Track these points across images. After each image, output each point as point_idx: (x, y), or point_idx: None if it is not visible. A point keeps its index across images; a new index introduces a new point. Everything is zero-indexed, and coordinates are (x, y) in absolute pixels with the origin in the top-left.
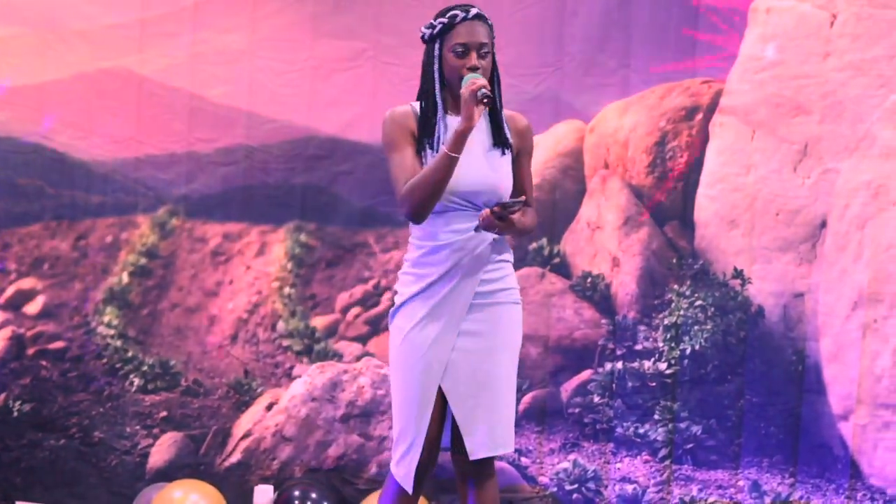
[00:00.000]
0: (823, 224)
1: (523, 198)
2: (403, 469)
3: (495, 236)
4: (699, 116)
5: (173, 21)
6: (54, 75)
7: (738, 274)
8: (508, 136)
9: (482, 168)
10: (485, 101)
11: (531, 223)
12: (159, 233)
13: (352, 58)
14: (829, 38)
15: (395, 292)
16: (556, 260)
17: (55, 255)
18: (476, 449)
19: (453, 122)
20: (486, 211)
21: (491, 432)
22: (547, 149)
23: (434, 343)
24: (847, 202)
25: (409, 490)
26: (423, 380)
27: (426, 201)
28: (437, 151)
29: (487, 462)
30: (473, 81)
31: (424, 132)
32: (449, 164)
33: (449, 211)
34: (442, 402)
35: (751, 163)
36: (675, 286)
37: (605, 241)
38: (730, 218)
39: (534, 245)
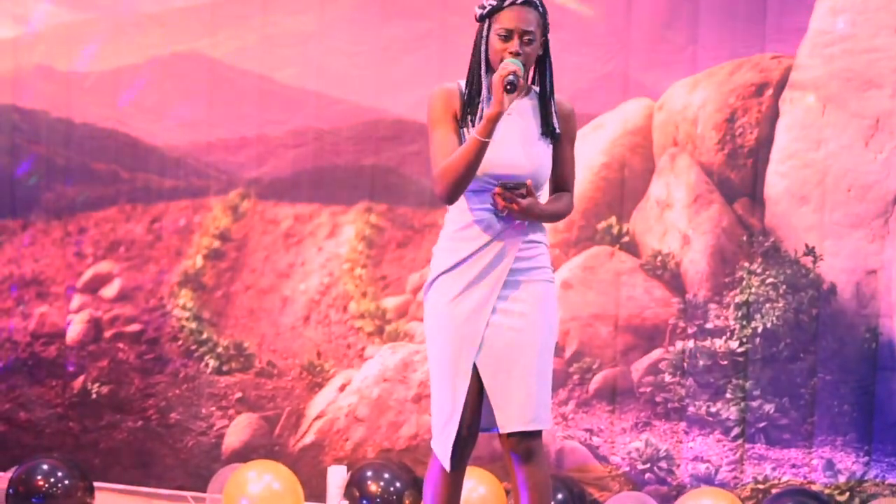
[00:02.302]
0: None
1: (529, 181)
2: (441, 445)
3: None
4: (769, 92)
5: (244, 4)
6: (128, 60)
7: (810, 251)
8: (555, 123)
9: (522, 154)
10: (507, 87)
11: (564, 208)
12: (232, 215)
13: (420, 38)
14: None
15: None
16: (626, 238)
17: (130, 239)
18: (507, 423)
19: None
20: (496, 189)
21: (523, 407)
22: (615, 127)
23: (468, 318)
24: None
25: (447, 466)
26: (457, 355)
27: (457, 184)
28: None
29: (532, 439)
30: (505, 66)
31: (466, 112)
32: (479, 148)
33: (485, 190)
34: (479, 378)
35: (821, 138)
36: (746, 264)
37: (675, 219)
38: (801, 194)
39: (603, 224)
